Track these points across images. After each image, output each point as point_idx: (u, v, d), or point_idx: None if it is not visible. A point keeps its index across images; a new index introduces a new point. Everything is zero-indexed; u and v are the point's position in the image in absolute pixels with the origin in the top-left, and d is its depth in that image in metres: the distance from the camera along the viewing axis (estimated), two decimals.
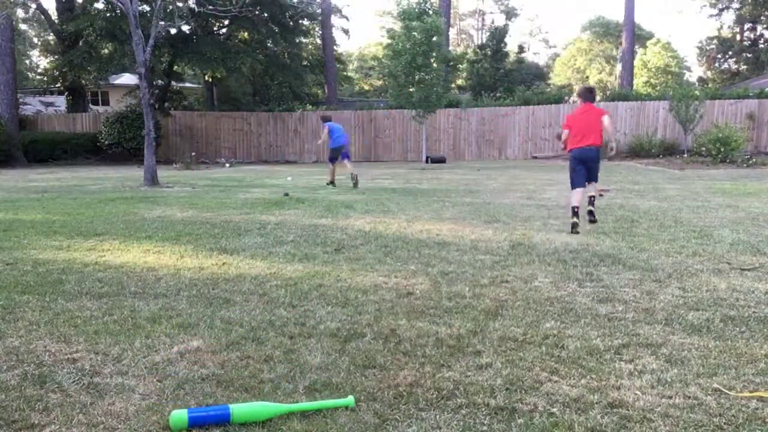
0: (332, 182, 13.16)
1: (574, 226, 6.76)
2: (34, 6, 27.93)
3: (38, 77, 38.78)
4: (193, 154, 24.84)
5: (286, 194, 11.09)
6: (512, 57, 37.66)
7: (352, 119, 26.21)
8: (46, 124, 27.34)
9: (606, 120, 7.14)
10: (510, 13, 61.10)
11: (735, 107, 22.68)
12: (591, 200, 7.33)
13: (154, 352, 3.19)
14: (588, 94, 7.51)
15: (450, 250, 5.73)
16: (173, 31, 23.24)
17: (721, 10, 42.92)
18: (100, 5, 25.55)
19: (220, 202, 9.95)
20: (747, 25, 42.71)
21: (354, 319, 3.71)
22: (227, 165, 22.66)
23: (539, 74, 44.34)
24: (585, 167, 7.18)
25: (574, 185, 7.20)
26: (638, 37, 41.51)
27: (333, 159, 13.24)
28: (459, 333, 3.44)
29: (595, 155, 7.22)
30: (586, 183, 7.23)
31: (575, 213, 6.84)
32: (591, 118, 7.20)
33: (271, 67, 28.38)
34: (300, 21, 29.90)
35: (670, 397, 2.63)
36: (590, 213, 7.25)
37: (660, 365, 2.97)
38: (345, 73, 39.89)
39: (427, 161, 22.05)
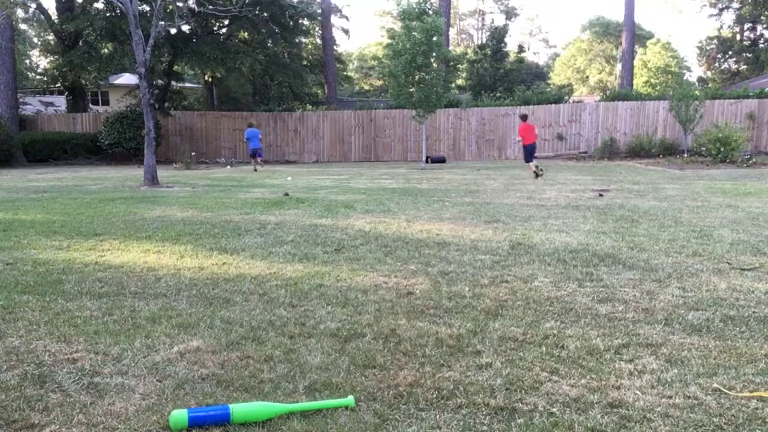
0: (255, 169, 19.54)
1: (536, 174, 14.37)
2: (34, 6, 27.93)
3: (38, 77, 38.73)
4: (193, 154, 24.82)
5: (286, 194, 11.09)
6: (512, 57, 37.64)
7: (352, 119, 26.20)
8: (46, 124, 27.31)
9: (535, 129, 15.78)
10: (510, 13, 61.22)
11: (735, 107, 22.68)
12: (537, 168, 14.65)
13: (154, 352, 3.19)
14: (525, 117, 15.59)
15: (450, 250, 5.73)
16: (173, 31, 23.24)
17: (721, 10, 42.94)
18: (100, 5, 25.57)
19: (220, 202, 9.96)
20: (747, 25, 42.72)
21: (354, 319, 3.71)
22: (228, 167, 22.64)
23: (539, 74, 44.35)
24: (532, 152, 15.11)
25: (528, 161, 15.19)
26: (638, 37, 41.57)
27: (252, 156, 20.59)
28: (459, 333, 3.44)
29: (535, 146, 15.44)
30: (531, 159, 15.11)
31: (536, 173, 14.41)
32: (531, 128, 15.29)
33: (271, 67, 28.37)
34: (300, 21, 29.89)
35: (670, 397, 2.63)
36: (538, 168, 14.59)
37: (660, 365, 2.97)
38: (345, 73, 39.90)
39: (427, 161, 22.02)
